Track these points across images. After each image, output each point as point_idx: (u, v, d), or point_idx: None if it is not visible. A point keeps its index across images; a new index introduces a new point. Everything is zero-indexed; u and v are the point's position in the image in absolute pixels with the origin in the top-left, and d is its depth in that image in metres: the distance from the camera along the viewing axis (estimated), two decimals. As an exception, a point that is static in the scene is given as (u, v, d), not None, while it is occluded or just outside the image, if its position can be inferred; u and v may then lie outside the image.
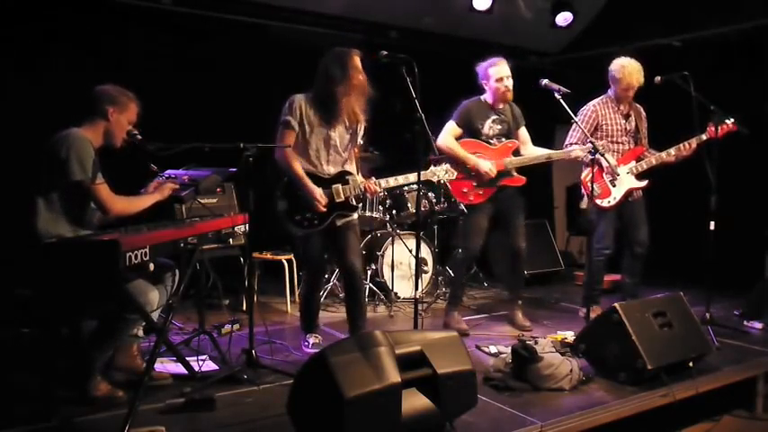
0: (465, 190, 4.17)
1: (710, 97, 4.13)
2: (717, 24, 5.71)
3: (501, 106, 4.19)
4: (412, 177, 3.69)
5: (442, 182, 3.90)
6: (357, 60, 3.49)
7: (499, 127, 4.17)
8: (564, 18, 6.23)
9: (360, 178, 3.65)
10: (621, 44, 5.96)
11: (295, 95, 3.53)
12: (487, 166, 4.07)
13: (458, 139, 4.16)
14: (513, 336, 4.10)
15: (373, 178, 3.67)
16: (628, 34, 6.07)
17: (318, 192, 3.48)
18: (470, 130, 4.16)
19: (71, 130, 2.87)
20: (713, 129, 4.20)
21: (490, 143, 4.16)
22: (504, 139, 4.18)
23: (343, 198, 3.56)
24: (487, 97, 4.18)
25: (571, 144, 4.38)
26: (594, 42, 6.60)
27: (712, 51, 5.98)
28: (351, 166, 3.68)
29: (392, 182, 3.71)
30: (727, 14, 5.59)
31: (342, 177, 3.61)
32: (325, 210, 3.50)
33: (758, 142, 4.70)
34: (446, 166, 3.80)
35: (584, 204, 4.45)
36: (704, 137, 4.27)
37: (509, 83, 4.09)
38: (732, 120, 4.23)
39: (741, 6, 5.49)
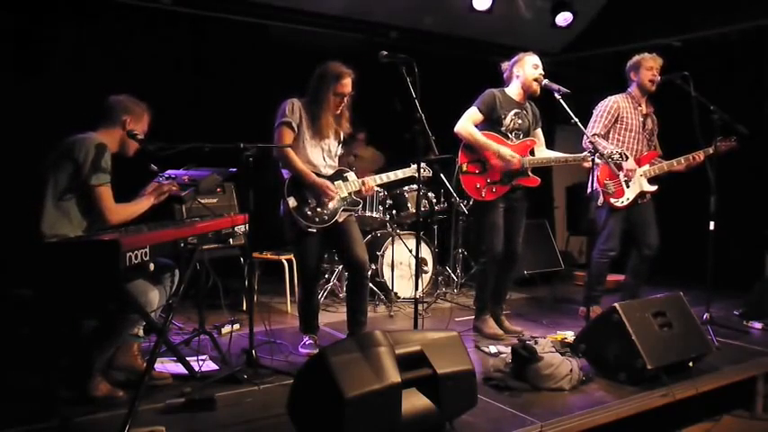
0: (478, 185, 3.98)
1: (710, 97, 4.14)
2: (717, 24, 5.71)
3: (525, 101, 4.06)
4: (401, 173, 3.95)
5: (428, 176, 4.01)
6: (339, 80, 3.51)
7: (520, 122, 4.01)
8: (564, 18, 6.23)
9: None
10: (621, 44, 5.97)
11: (293, 99, 3.58)
12: (509, 152, 3.91)
13: (477, 126, 3.98)
14: (513, 336, 4.09)
15: (367, 176, 3.81)
16: (628, 34, 6.08)
17: (327, 180, 3.57)
18: (491, 119, 3.97)
19: (90, 134, 2.90)
20: (720, 145, 4.23)
21: (508, 137, 3.99)
22: (522, 136, 4.04)
23: (346, 194, 3.67)
24: (513, 90, 4.04)
25: (595, 135, 4.30)
26: (594, 42, 6.61)
27: (712, 51, 5.99)
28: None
29: (385, 178, 3.87)
30: (727, 14, 5.60)
31: (340, 175, 3.71)
32: (336, 196, 3.59)
33: (758, 142, 4.70)
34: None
35: (600, 203, 4.40)
36: (711, 150, 4.26)
37: (542, 72, 3.98)
38: (735, 138, 4.25)
39: (741, 6, 5.49)
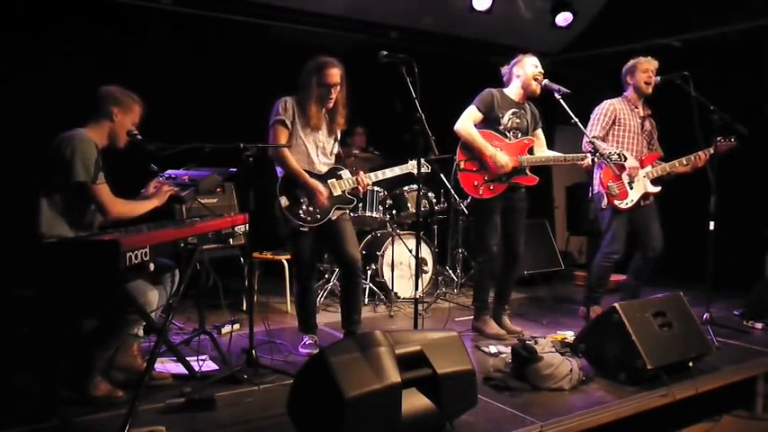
0: (475, 183, 3.98)
1: (710, 97, 4.14)
2: (717, 24, 5.71)
3: (524, 101, 4.06)
4: (397, 170, 3.99)
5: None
6: (322, 69, 3.50)
7: (518, 121, 4.01)
8: (564, 18, 6.23)
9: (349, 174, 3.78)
10: (621, 44, 5.97)
11: (286, 97, 3.59)
12: (505, 159, 3.90)
13: (476, 125, 3.97)
14: (513, 336, 4.09)
15: (361, 172, 3.79)
16: (628, 34, 6.08)
17: (320, 184, 3.57)
18: (489, 119, 3.98)
19: (76, 131, 2.88)
20: (720, 144, 4.23)
21: (506, 136, 3.99)
22: (520, 135, 4.03)
23: (339, 192, 3.67)
24: (513, 90, 4.04)
25: (595, 137, 4.26)
26: (594, 42, 6.60)
27: (712, 51, 5.98)
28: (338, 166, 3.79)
29: (380, 175, 3.88)
30: (727, 14, 5.59)
31: (335, 173, 3.71)
32: (327, 201, 3.57)
33: (758, 142, 4.69)
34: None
35: (603, 205, 4.37)
36: (712, 150, 4.26)
37: (542, 71, 3.98)
38: (734, 138, 4.24)
39: (741, 6, 5.49)
